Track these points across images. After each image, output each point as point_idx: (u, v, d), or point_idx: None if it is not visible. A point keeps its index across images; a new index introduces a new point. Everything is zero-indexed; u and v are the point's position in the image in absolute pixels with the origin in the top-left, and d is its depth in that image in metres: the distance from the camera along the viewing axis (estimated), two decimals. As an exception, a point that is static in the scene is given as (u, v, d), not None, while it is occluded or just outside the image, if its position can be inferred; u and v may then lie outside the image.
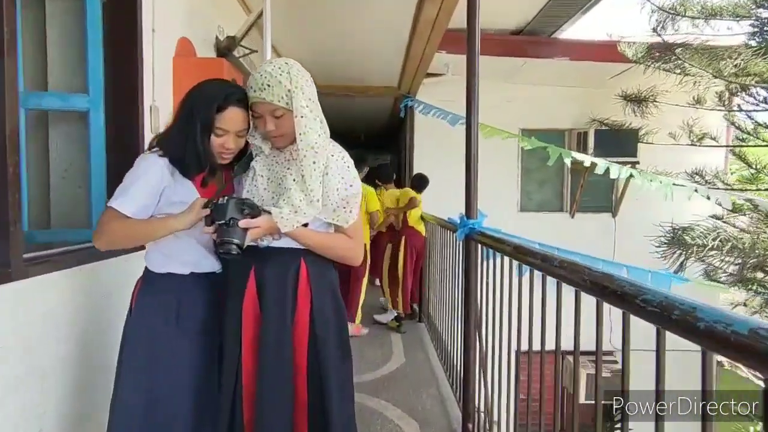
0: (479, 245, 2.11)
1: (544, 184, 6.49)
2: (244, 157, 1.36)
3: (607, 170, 4.04)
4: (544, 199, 6.50)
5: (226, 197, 1.18)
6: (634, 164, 5.52)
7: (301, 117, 1.26)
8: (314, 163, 1.27)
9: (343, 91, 5.92)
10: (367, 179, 4.91)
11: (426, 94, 6.04)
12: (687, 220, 6.45)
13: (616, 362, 6.05)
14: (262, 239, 1.28)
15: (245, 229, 1.19)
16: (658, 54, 4.45)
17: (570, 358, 1.19)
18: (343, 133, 9.98)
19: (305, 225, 1.29)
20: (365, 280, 3.91)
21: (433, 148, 6.35)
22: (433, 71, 5.86)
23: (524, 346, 1.55)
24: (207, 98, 1.23)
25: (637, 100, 5.04)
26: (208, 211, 1.19)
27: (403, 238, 4.25)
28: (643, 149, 5.76)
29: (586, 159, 4.09)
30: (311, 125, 1.28)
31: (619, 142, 5.66)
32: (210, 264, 1.33)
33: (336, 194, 1.31)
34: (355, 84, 5.83)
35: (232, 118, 1.25)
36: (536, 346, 1.43)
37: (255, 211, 1.21)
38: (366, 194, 4.14)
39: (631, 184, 6.08)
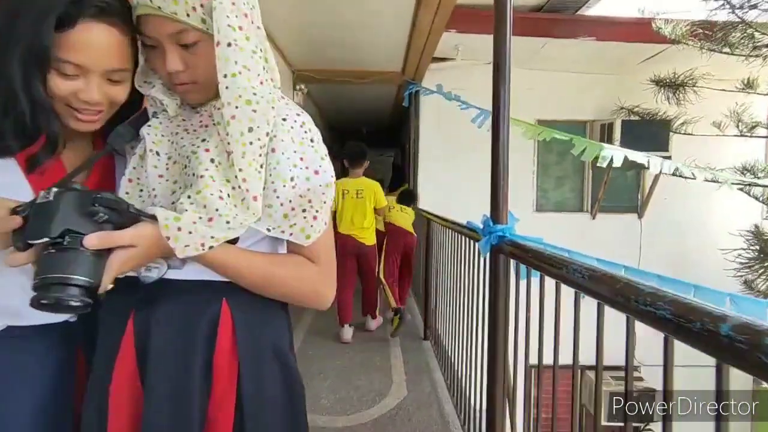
0: (511, 260, 1.52)
1: (563, 182, 5.89)
2: (131, 119, 0.77)
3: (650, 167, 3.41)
4: (562, 198, 5.90)
5: (56, 189, 0.60)
6: (665, 159, 4.91)
7: (228, 46, 0.68)
8: (250, 131, 0.69)
9: (341, 77, 5.34)
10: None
11: (432, 81, 5.44)
12: (721, 222, 5.87)
13: (642, 379, 5.47)
14: (147, 269, 0.70)
15: (100, 255, 0.61)
16: (702, 31, 3.83)
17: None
18: (342, 126, 9.42)
19: (233, 242, 0.71)
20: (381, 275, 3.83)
21: (441, 141, 5.76)
22: (440, 55, 5.27)
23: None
24: (37, 5, 0.65)
25: (673, 86, 4.42)
26: (18, 221, 0.60)
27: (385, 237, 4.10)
28: (676, 142, 5.15)
29: (638, 157, 3.43)
30: (246, 62, 0.70)
31: (649, 133, 5.04)
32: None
33: (289, 187, 0.73)
34: (354, 68, 5.24)
35: (89, 41, 0.66)
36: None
37: (122, 215, 0.63)
38: (374, 188, 3.66)
39: (660, 182, 5.49)
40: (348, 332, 3.61)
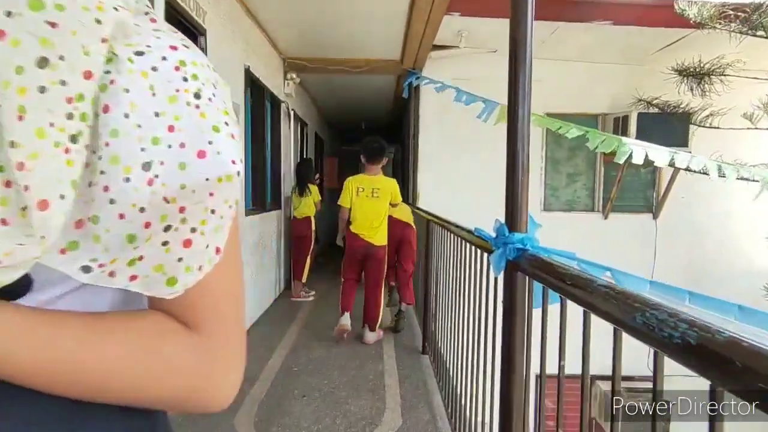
0: (534, 282, 1.16)
1: (574, 179, 5.51)
2: None
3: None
4: (572, 197, 5.52)
5: None
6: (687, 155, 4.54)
7: None
8: (41, 65, 0.30)
9: (337, 66, 4.97)
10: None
11: (434, 71, 5.08)
12: (742, 223, 5.49)
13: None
14: None
15: None
16: (733, 12, 3.45)
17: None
18: (339, 121, 9.04)
19: (10, 295, 0.34)
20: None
21: (444, 135, 5.39)
22: (442, 42, 4.89)
23: None
24: None
25: (698, 75, 4.03)
26: None
27: None
28: (696, 136, 4.77)
29: (661, 153, 3.06)
30: None
31: (668, 127, 4.66)
32: None
33: (140, 182, 0.34)
34: (350, 57, 4.87)
35: None
36: None
37: None
38: (392, 187, 3.45)
39: (677, 180, 5.11)
40: (346, 319, 3.38)
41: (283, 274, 5.09)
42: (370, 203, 3.36)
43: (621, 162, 3.95)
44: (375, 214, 3.36)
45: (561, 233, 5.57)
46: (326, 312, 4.30)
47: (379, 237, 3.41)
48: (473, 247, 1.87)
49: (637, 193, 5.48)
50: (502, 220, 1.33)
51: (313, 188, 4.75)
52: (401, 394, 2.65)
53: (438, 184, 5.39)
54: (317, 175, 4.72)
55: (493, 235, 1.30)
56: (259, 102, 4.24)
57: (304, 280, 4.69)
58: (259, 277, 4.12)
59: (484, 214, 5.39)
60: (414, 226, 3.96)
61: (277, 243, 4.73)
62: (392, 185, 3.47)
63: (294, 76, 4.99)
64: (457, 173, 5.39)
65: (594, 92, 5.34)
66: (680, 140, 4.69)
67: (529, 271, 1.15)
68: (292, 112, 5.11)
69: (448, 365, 2.51)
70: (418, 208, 4.07)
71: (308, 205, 4.72)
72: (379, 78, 5.63)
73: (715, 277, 5.12)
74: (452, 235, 2.48)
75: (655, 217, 5.44)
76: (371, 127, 9.88)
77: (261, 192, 4.25)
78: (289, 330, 3.78)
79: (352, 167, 11.37)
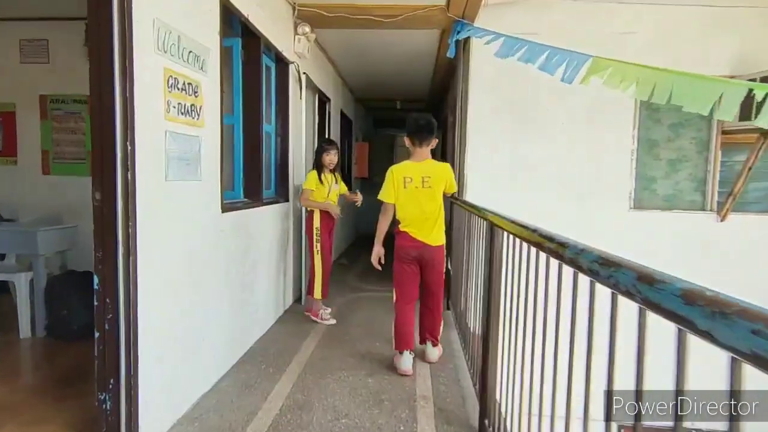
0: None
1: (677, 167, 4.11)
2: None
3: None
4: (674, 191, 4.13)
5: None
6: None
7: None
8: None
9: (363, 14, 3.80)
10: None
11: (489, 24, 3.83)
12: None
13: None
14: None
15: None
16: None
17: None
18: (370, 97, 7.76)
19: None
20: None
21: (500, 110, 4.12)
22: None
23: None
24: None
25: None
26: None
27: None
28: None
29: None
30: None
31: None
32: None
33: None
34: (381, 2, 3.69)
35: None
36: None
37: None
38: (445, 173, 2.79)
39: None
40: (408, 361, 2.74)
41: (292, 284, 4.02)
42: (421, 195, 2.73)
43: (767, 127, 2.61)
44: (429, 208, 2.74)
45: (657, 238, 4.24)
46: (339, 341, 3.19)
47: (435, 235, 2.78)
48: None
49: (766, 186, 4.04)
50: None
51: (327, 177, 3.62)
52: None
53: (488, 173, 4.14)
54: (329, 159, 3.57)
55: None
56: (254, 57, 3.13)
57: (316, 295, 3.59)
58: (253, 291, 3.05)
59: (550, 209, 3.99)
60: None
61: (280, 246, 3.65)
62: (446, 171, 2.80)
63: (307, 30, 3.86)
64: (516, 159, 4.13)
65: (711, 47, 3.92)
66: None
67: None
68: (304, 77, 3.98)
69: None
70: (468, 204, 2.88)
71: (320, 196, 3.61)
72: (418, 35, 4.42)
73: None
74: (521, 241, 1.31)
75: (792, 219, 3.99)
76: (408, 108, 8.66)
77: (255, 178, 3.17)
78: (298, 353, 2.70)
79: (386, 154, 10.23)
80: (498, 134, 4.15)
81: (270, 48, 3.37)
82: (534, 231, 1.46)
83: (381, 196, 2.80)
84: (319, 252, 3.56)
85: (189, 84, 2.11)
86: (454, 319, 3.56)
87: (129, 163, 1.68)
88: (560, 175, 4.12)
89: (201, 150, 2.23)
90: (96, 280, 1.71)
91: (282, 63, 3.71)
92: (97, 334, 1.73)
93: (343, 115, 6.57)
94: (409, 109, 8.96)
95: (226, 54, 2.97)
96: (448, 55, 3.97)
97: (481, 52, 4.09)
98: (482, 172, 4.15)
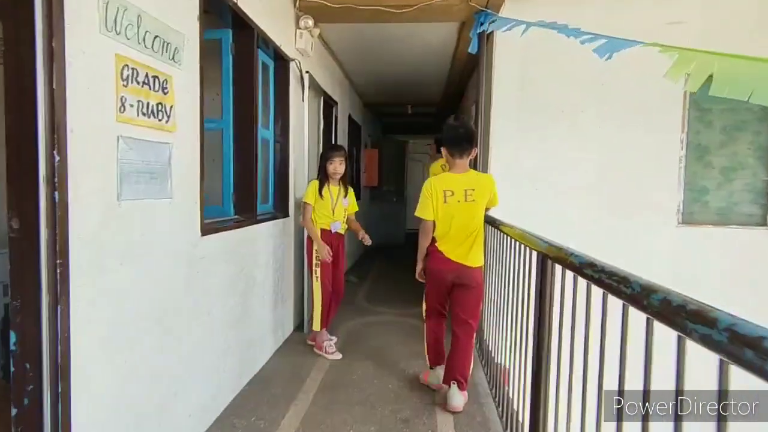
0: None
1: (730, 177, 3.60)
2: None
3: None
4: (729, 203, 3.61)
5: None
6: None
7: None
8: None
9: (371, 5, 3.36)
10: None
11: (515, 16, 3.36)
12: None
13: None
14: None
15: None
16: None
17: None
18: (379, 101, 7.21)
19: None
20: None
21: (528, 112, 3.65)
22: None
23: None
24: None
25: None
26: None
27: None
28: None
29: None
30: None
31: None
32: None
33: None
34: (392, -10, 3.25)
35: None
36: None
37: None
38: (489, 184, 2.49)
39: None
40: (440, 376, 2.56)
41: (293, 309, 3.56)
42: (464, 210, 2.42)
43: None
44: (472, 224, 2.43)
45: (709, 257, 3.71)
46: (343, 382, 2.71)
47: (474, 255, 2.45)
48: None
49: (837, 198, 3.51)
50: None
51: (332, 190, 3.16)
52: None
53: (517, 183, 3.66)
54: (333, 168, 3.10)
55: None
56: (246, 51, 2.70)
57: (315, 327, 3.13)
58: (243, 326, 2.60)
59: (584, 223, 3.44)
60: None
61: (278, 268, 3.19)
62: (491, 183, 2.50)
63: (310, 24, 3.43)
64: (545, 166, 3.65)
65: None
66: None
67: None
68: (307, 77, 3.55)
69: None
70: (516, 232, 2.41)
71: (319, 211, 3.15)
72: (433, 30, 3.97)
73: None
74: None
75: None
76: (421, 113, 8.21)
77: (248, 192, 2.72)
78: (305, 383, 2.24)
79: (397, 161, 9.72)
80: (524, 139, 3.67)
81: (267, 43, 2.94)
82: (610, 275, 1.03)
83: (419, 213, 2.48)
84: (318, 279, 3.09)
85: (155, 78, 1.67)
86: (478, 354, 3.07)
87: (57, 179, 1.23)
88: (595, 184, 3.62)
89: (172, 160, 1.79)
90: (13, 338, 1.26)
91: (281, 60, 3.28)
92: (14, 412, 1.27)
93: (351, 120, 6.14)
94: (421, 114, 8.49)
95: (214, 48, 2.55)
96: (469, 50, 3.51)
97: (506, 47, 3.63)
98: (507, 181, 3.66)
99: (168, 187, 1.78)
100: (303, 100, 3.53)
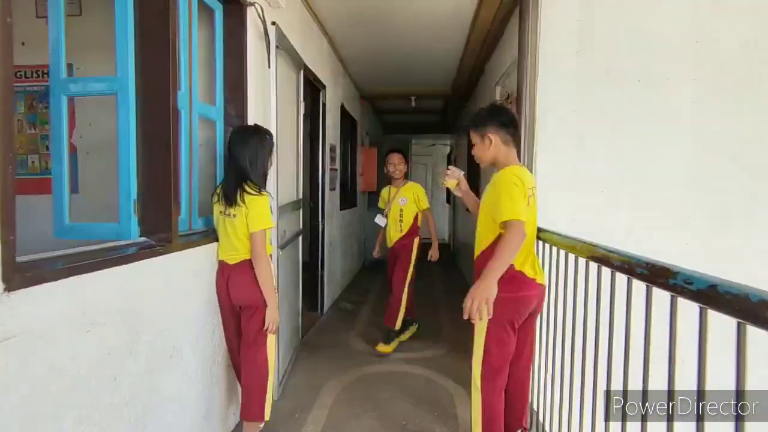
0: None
1: None
2: None
3: None
4: None
5: None
6: None
7: None
8: None
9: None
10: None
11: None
12: None
13: None
14: None
15: None
16: None
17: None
18: (375, 91, 5.90)
19: None
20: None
21: (593, 84, 2.59)
22: None
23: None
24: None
25: None
26: None
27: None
28: None
29: None
30: None
31: None
32: None
33: None
34: None
35: None
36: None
37: None
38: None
39: None
40: None
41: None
42: (533, 216, 1.85)
43: None
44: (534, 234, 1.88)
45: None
46: None
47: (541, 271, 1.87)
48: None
49: None
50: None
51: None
52: None
53: (574, 185, 2.61)
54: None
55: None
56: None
57: (266, 417, 2.03)
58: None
59: (672, 243, 2.39)
60: None
61: (210, 325, 2.09)
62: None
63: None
64: (615, 161, 2.59)
65: None
66: None
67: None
68: (273, 30, 2.46)
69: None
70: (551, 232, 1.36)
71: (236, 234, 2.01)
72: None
73: None
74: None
75: None
76: (425, 108, 7.17)
77: (162, 196, 1.65)
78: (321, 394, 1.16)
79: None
80: (585, 124, 2.61)
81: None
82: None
83: (513, 215, 1.67)
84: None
85: None
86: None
87: None
88: (689, 186, 2.56)
89: None
90: None
91: (233, 4, 2.22)
92: None
93: (344, 112, 5.06)
94: (426, 110, 7.43)
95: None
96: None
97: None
98: (560, 183, 2.60)
99: None
100: (269, 67, 2.44)
